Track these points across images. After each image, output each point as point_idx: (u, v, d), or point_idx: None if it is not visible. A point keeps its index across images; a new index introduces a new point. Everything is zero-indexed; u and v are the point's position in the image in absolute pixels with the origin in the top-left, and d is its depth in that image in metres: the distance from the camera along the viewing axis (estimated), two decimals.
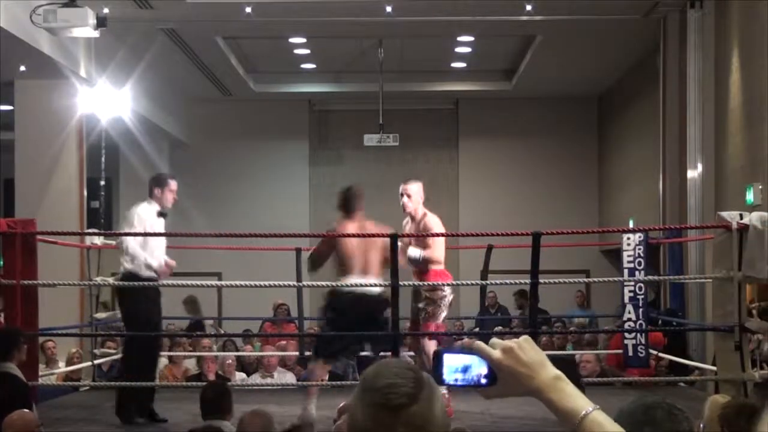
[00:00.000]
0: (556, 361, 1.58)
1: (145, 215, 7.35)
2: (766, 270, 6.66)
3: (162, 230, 7.40)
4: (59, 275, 8.54)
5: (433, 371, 1.61)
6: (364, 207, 7.11)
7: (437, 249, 7.09)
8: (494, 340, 1.58)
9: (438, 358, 1.60)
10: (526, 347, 1.54)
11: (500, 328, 11.74)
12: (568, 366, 1.73)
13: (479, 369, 1.56)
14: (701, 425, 4.04)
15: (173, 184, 7.47)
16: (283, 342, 11.00)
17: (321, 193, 15.96)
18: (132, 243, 7.27)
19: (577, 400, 1.51)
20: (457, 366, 1.57)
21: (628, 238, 9.36)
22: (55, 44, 9.90)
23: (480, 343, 1.56)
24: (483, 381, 1.56)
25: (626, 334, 9.11)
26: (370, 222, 7.07)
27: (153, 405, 7.33)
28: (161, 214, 7.42)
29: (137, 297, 7.26)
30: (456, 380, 1.58)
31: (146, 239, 7.31)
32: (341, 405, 5.89)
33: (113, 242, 9.60)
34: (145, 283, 7.29)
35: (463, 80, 15.14)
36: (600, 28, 11.59)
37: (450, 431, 4.18)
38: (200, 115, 15.65)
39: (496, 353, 1.54)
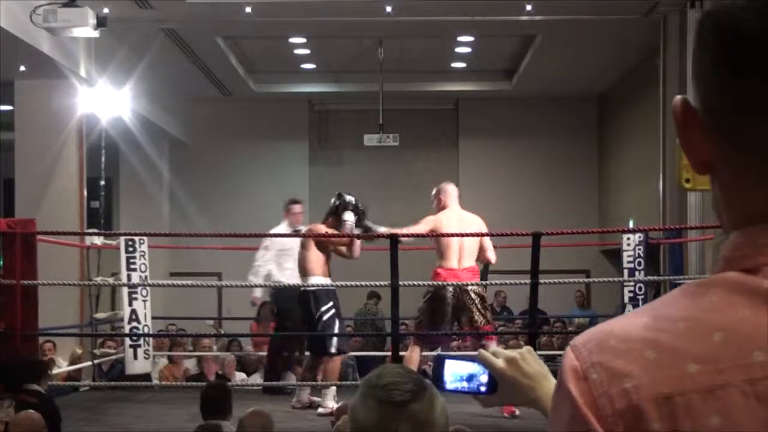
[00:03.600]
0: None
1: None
2: None
3: (292, 247, 8.33)
4: (59, 275, 8.54)
5: (434, 377, 1.62)
6: None
7: None
8: (497, 349, 1.59)
9: (440, 363, 1.61)
10: (529, 358, 1.55)
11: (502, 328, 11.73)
12: None
13: (480, 377, 1.56)
14: None
15: (294, 208, 8.71)
16: None
17: (321, 193, 15.92)
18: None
19: None
20: (459, 373, 1.58)
21: (628, 238, 9.37)
22: (55, 44, 9.89)
23: (484, 352, 1.57)
24: (482, 389, 1.56)
25: None
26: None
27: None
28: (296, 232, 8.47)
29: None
30: (457, 387, 1.58)
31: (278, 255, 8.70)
32: (339, 406, 5.91)
33: (113, 242, 9.63)
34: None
35: (463, 80, 15.14)
36: (600, 28, 11.58)
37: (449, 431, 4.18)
38: (200, 115, 15.65)
39: (500, 363, 1.55)
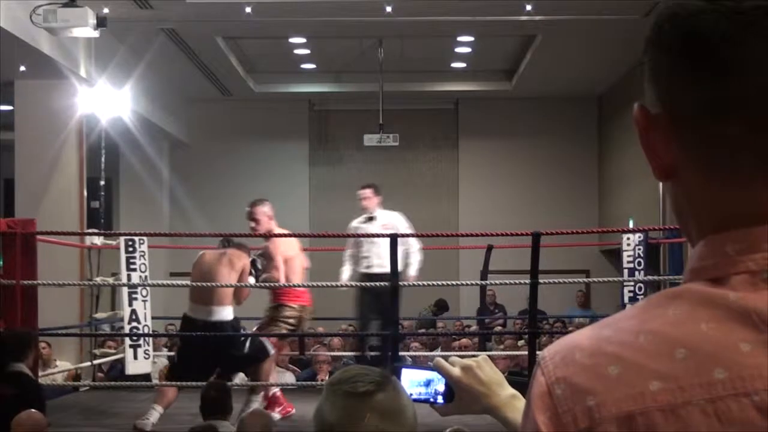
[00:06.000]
0: (515, 384, 1.60)
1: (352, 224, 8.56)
2: None
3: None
4: (59, 275, 8.54)
5: None
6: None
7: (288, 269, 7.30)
8: (454, 358, 1.60)
9: (397, 373, 1.62)
10: (484, 366, 1.56)
11: (500, 327, 11.74)
12: (525, 388, 1.76)
13: (437, 386, 1.58)
14: None
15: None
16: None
17: (321, 193, 15.97)
18: None
19: None
20: (416, 381, 1.60)
21: (628, 238, 9.37)
22: (55, 44, 9.89)
23: (440, 360, 1.59)
24: (440, 398, 1.58)
25: None
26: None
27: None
28: (369, 218, 8.35)
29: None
30: (414, 395, 1.61)
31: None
32: None
33: (113, 242, 9.64)
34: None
35: (463, 80, 15.14)
36: (600, 28, 11.58)
37: None
38: (200, 115, 15.65)
39: (456, 371, 1.56)
